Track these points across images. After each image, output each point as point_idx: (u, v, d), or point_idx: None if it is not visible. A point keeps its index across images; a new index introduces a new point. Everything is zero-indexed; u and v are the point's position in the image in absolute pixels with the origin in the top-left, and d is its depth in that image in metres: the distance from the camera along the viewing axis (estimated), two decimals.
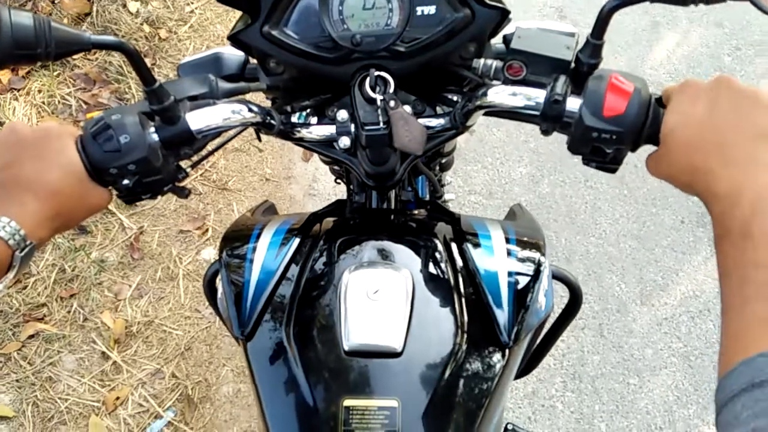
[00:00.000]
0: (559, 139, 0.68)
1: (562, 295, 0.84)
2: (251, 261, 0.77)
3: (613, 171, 0.65)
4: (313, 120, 0.84)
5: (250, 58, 0.83)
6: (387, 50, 0.74)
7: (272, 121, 0.75)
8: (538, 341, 0.89)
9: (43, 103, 2.33)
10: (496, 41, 0.80)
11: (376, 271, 0.72)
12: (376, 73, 0.73)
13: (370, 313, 0.68)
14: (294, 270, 0.76)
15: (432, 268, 0.76)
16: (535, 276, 0.76)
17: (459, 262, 0.77)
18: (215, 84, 0.71)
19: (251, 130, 0.75)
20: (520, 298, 0.74)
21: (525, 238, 0.80)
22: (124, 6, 2.58)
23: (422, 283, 0.73)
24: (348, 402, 0.65)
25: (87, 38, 0.59)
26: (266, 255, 0.77)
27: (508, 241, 0.78)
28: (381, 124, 0.73)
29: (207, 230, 2.17)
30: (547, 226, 2.16)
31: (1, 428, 1.77)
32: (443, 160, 1.28)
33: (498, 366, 0.70)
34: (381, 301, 0.69)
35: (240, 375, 1.88)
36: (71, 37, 0.58)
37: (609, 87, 0.59)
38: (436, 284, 0.74)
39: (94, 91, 2.40)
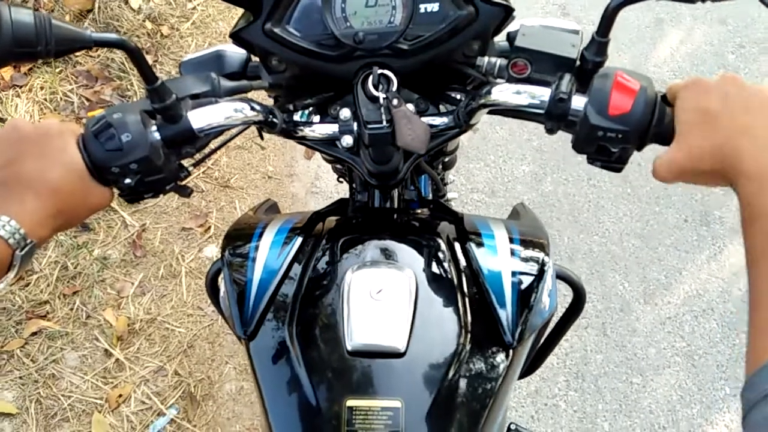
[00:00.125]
0: (562, 138, 0.68)
1: (565, 294, 0.84)
2: (254, 260, 0.77)
3: (618, 170, 0.65)
4: (316, 118, 0.84)
5: (253, 56, 0.83)
6: (390, 48, 0.73)
7: (274, 120, 0.74)
8: (542, 341, 0.89)
9: (45, 100, 2.33)
10: (500, 39, 0.79)
11: (379, 270, 0.71)
12: (379, 71, 0.73)
13: (373, 313, 0.68)
14: (296, 269, 0.76)
15: (435, 268, 0.76)
16: (539, 276, 0.75)
17: (462, 262, 0.76)
18: (217, 82, 0.71)
19: (253, 127, 0.74)
20: (524, 298, 0.73)
21: (529, 238, 0.80)
22: (126, 2, 2.57)
23: (425, 283, 0.72)
24: (351, 402, 0.64)
25: (88, 36, 0.58)
26: (269, 254, 0.77)
27: (511, 240, 0.78)
28: (384, 123, 0.72)
29: (209, 228, 2.17)
30: (550, 225, 2.15)
31: (4, 425, 1.77)
32: (446, 159, 1.28)
33: (502, 366, 0.70)
34: (384, 301, 0.68)
35: (242, 372, 1.88)
36: (72, 34, 0.58)
37: (614, 85, 0.59)
38: (440, 284, 0.74)
39: (96, 88, 2.40)
